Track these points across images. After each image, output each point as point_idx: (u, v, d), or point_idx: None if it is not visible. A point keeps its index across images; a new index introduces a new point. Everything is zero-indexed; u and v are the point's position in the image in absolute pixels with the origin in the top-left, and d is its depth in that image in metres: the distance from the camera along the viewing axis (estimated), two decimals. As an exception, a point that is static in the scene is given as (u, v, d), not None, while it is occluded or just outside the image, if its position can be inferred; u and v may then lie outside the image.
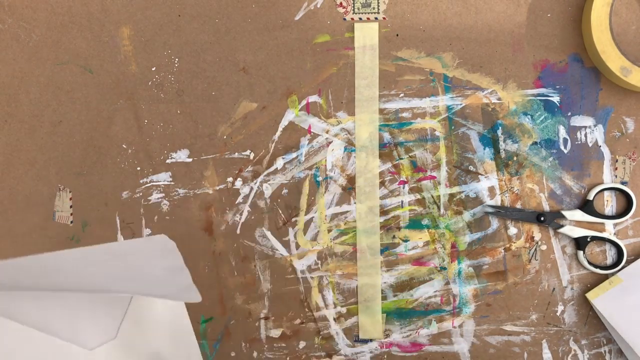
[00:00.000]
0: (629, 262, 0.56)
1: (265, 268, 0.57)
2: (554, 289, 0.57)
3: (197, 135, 0.57)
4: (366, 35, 0.56)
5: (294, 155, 0.57)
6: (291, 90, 0.56)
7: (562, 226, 0.56)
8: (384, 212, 0.57)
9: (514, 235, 0.57)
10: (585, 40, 0.55)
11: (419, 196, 0.57)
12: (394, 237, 0.57)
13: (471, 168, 0.57)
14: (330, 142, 0.57)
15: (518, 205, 0.57)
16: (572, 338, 0.57)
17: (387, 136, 0.56)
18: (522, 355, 0.57)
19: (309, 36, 0.56)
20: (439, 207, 0.57)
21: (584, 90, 0.56)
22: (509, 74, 0.56)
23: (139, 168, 0.57)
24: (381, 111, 0.56)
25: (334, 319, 0.58)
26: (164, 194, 0.57)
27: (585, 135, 0.56)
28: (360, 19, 0.56)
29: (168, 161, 0.57)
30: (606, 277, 0.56)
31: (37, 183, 0.57)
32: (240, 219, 0.57)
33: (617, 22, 0.54)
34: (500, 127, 0.56)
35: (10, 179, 0.57)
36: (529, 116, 0.56)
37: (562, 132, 0.56)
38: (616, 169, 0.56)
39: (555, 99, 0.56)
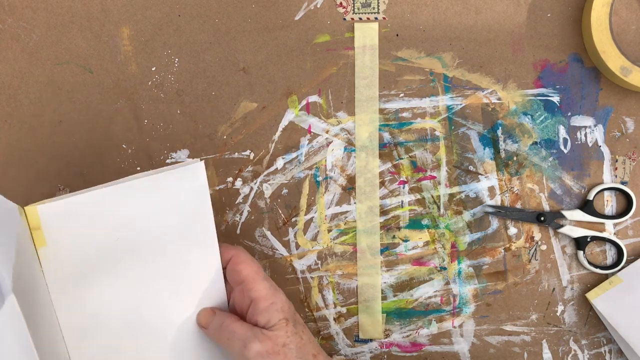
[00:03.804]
0: (629, 262, 0.56)
1: (265, 268, 0.57)
2: (554, 289, 0.57)
3: (197, 135, 0.57)
4: (366, 35, 0.56)
5: (294, 155, 0.57)
6: (291, 90, 0.56)
7: (562, 226, 0.56)
8: (384, 212, 0.57)
9: (514, 235, 0.57)
10: (585, 40, 0.55)
11: (419, 196, 0.57)
12: (394, 237, 0.57)
13: (471, 168, 0.57)
14: (330, 142, 0.57)
15: (518, 205, 0.57)
16: (572, 338, 0.57)
17: (387, 136, 0.56)
18: (522, 355, 0.57)
19: (309, 36, 0.56)
20: (439, 207, 0.57)
21: (584, 90, 0.56)
22: (509, 74, 0.56)
23: (139, 168, 0.57)
24: (381, 111, 0.56)
25: (334, 319, 0.58)
26: (164, 194, 0.57)
27: (585, 135, 0.56)
28: (360, 18, 0.56)
29: (168, 161, 0.57)
30: (606, 277, 0.56)
31: (37, 183, 0.57)
32: (240, 219, 0.57)
33: (617, 22, 0.54)
34: (500, 127, 0.56)
35: (10, 179, 0.57)
36: (529, 116, 0.56)
37: (562, 132, 0.56)
38: (616, 169, 0.56)
39: (555, 99, 0.56)
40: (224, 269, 0.49)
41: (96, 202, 0.45)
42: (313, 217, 0.57)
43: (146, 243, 0.47)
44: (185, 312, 0.49)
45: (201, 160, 0.47)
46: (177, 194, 0.46)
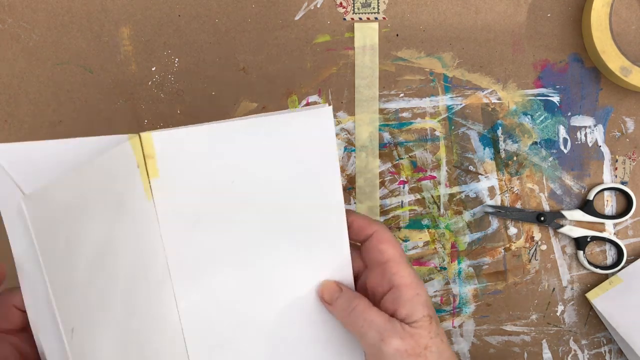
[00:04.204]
0: (629, 262, 0.56)
1: (265, 268, 0.57)
2: (554, 289, 0.57)
3: (197, 135, 0.57)
4: (366, 35, 0.56)
5: (294, 155, 0.57)
6: (291, 90, 0.56)
7: (562, 226, 0.56)
8: (384, 212, 0.57)
9: (514, 235, 0.57)
10: (585, 40, 0.55)
11: (419, 196, 0.57)
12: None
13: (471, 168, 0.57)
14: (330, 142, 0.57)
15: (518, 205, 0.57)
16: (572, 338, 0.57)
17: (387, 136, 0.56)
18: (522, 355, 0.57)
19: (309, 36, 0.56)
20: (439, 207, 0.57)
21: (584, 90, 0.56)
22: (509, 74, 0.56)
23: (139, 168, 0.57)
24: (381, 111, 0.56)
25: (334, 319, 0.57)
26: (164, 194, 0.57)
27: (585, 135, 0.56)
28: (360, 18, 0.56)
29: (168, 161, 0.57)
30: (606, 277, 0.56)
31: (37, 183, 0.57)
32: (240, 219, 0.57)
33: (617, 22, 0.54)
34: (500, 127, 0.56)
35: (10, 179, 0.57)
36: (529, 116, 0.56)
37: (562, 132, 0.56)
38: (616, 169, 0.56)
39: (555, 99, 0.56)
40: (362, 243, 0.43)
41: (215, 136, 0.40)
42: (313, 217, 0.57)
43: (265, 191, 0.41)
44: (303, 278, 0.43)
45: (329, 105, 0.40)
46: (302, 141, 0.40)
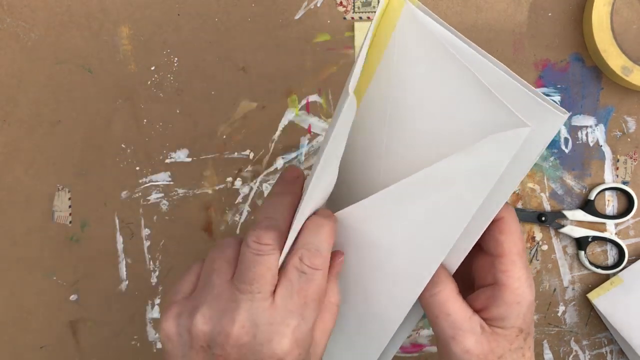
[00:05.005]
0: (630, 262, 0.56)
1: (265, 268, 0.57)
2: (555, 289, 0.57)
3: (196, 135, 0.57)
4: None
5: (293, 155, 0.57)
6: (291, 90, 0.56)
7: (563, 226, 0.56)
8: (384, 212, 0.57)
9: (515, 236, 0.56)
10: (586, 39, 0.55)
11: (419, 196, 0.56)
12: (394, 237, 0.57)
13: (472, 168, 0.56)
14: (330, 142, 0.57)
15: (519, 205, 0.56)
16: (573, 339, 0.57)
17: (387, 136, 0.56)
18: (523, 355, 0.57)
19: (308, 35, 0.56)
20: (439, 207, 0.56)
21: (585, 89, 0.56)
22: (509, 73, 0.56)
23: (138, 168, 0.57)
24: (381, 111, 0.56)
25: (334, 320, 0.57)
26: (163, 194, 0.57)
27: (587, 135, 0.56)
28: (360, 18, 0.56)
29: (167, 161, 0.57)
30: (607, 277, 0.56)
31: (36, 183, 0.57)
32: (239, 219, 0.57)
33: (618, 21, 0.54)
34: (500, 127, 0.56)
35: (9, 179, 0.57)
36: (530, 116, 0.56)
37: (563, 132, 0.56)
38: (617, 168, 0.56)
39: (556, 98, 0.56)
40: None
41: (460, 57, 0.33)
42: (313, 217, 0.57)
43: (441, 142, 0.34)
44: (408, 229, 0.36)
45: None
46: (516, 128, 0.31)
